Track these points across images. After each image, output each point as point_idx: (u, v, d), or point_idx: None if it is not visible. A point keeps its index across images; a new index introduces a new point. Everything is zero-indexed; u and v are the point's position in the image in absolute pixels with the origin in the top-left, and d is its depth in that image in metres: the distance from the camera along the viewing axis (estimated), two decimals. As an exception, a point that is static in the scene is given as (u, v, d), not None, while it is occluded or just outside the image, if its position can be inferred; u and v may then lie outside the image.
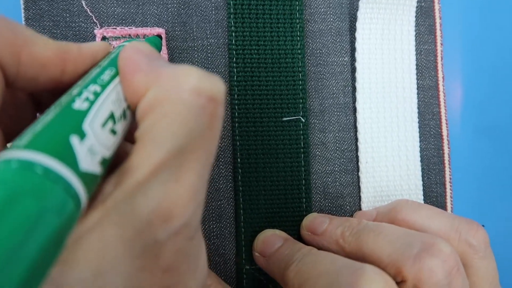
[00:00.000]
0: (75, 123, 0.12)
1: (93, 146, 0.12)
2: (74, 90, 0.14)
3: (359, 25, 0.27)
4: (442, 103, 0.28)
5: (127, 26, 0.24)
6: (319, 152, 0.27)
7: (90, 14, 0.24)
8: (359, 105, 0.27)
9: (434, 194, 0.28)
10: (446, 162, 0.28)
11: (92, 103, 0.13)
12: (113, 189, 0.12)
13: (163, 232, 0.12)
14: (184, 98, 0.13)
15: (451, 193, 0.28)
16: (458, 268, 0.19)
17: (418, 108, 0.27)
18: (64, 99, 0.13)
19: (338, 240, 0.22)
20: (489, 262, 0.22)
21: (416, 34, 0.28)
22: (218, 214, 0.25)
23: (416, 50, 0.28)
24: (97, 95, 0.14)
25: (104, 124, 0.13)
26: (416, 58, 0.28)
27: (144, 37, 0.24)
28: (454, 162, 0.28)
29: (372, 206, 0.27)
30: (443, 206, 0.28)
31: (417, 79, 0.28)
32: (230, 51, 0.25)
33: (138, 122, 0.14)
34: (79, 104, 0.13)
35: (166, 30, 0.25)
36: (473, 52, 0.30)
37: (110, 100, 0.14)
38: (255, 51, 0.25)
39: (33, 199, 0.10)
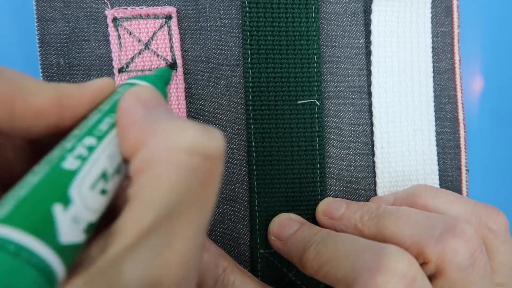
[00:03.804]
0: (61, 188, 0.11)
1: (78, 214, 0.11)
2: (68, 143, 0.13)
3: (374, 7, 0.26)
4: (458, 87, 0.27)
5: (138, 6, 0.24)
6: (333, 135, 0.26)
7: (102, -7, 0.24)
8: (374, 89, 0.26)
9: (449, 179, 0.27)
10: (462, 146, 0.27)
11: (84, 160, 0.12)
12: (99, 254, 0.11)
13: None
14: (177, 159, 0.12)
15: (466, 177, 0.27)
16: (481, 250, 0.19)
17: (434, 91, 0.27)
18: (55, 153, 0.12)
19: (357, 224, 0.22)
20: (508, 247, 0.22)
21: (432, 16, 0.27)
22: (232, 198, 0.25)
23: (433, 32, 0.27)
24: (91, 149, 0.13)
25: (94, 185, 0.12)
26: (433, 41, 0.27)
27: (148, 17, 0.24)
28: (470, 146, 0.28)
29: (387, 191, 0.26)
30: (458, 191, 0.27)
31: (433, 62, 0.27)
32: (244, 32, 0.25)
33: (131, 179, 0.13)
34: (70, 163, 0.12)
35: (177, 9, 0.24)
36: (491, 34, 0.30)
37: (106, 155, 0.13)
38: (270, 32, 0.25)
39: (2, 284, 0.09)
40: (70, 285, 0.11)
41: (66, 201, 0.11)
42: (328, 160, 0.26)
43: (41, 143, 0.15)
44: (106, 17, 0.24)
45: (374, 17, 0.26)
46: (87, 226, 0.12)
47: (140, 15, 0.24)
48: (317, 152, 0.25)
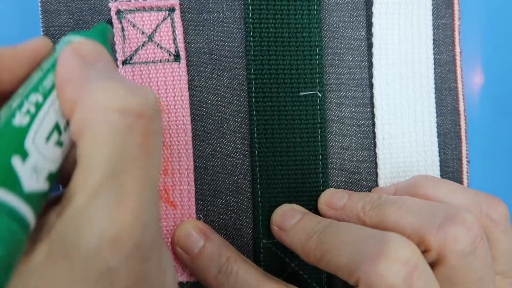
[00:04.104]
0: (16, 142, 0.12)
1: (37, 164, 0.12)
2: (14, 102, 0.13)
3: (376, -1, 0.26)
4: (459, 78, 0.28)
5: (142, -1, 0.24)
6: (335, 127, 0.26)
7: (105, -14, 0.24)
8: (375, 81, 0.26)
9: (450, 170, 0.28)
10: (463, 137, 0.28)
11: (33, 116, 0.13)
12: (56, 219, 0.12)
13: (113, 258, 0.12)
14: (110, 119, 0.12)
15: (467, 168, 0.27)
16: (482, 237, 0.19)
17: (435, 83, 0.27)
18: (3, 113, 0.13)
19: (359, 214, 0.22)
20: (509, 236, 0.22)
21: (433, 8, 0.27)
22: (235, 189, 0.25)
23: (433, 24, 0.27)
24: (38, 106, 0.13)
25: (48, 138, 0.13)
26: (433, 33, 0.27)
27: (151, 9, 0.24)
28: (471, 138, 0.28)
29: (389, 182, 0.26)
30: (459, 182, 0.28)
31: (434, 53, 0.27)
32: (246, 24, 0.25)
33: (74, 141, 0.13)
34: (20, 120, 0.13)
35: (180, 1, 0.24)
36: (491, 26, 0.30)
37: (54, 110, 0.14)
38: (272, 25, 0.25)
39: None
40: (35, 252, 0.11)
41: (23, 153, 0.12)
42: (330, 151, 0.26)
43: None
44: (109, 9, 0.24)
45: (375, 9, 0.26)
46: (47, 175, 0.13)
47: (144, 8, 0.24)
48: (319, 144, 0.26)
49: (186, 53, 0.25)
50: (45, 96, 0.14)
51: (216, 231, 0.24)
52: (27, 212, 0.11)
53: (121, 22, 0.24)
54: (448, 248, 0.18)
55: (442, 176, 0.27)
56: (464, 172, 0.28)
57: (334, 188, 0.26)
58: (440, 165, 0.27)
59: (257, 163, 0.25)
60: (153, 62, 0.24)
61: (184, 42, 0.25)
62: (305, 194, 0.25)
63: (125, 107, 0.13)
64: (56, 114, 0.14)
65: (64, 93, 0.14)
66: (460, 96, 0.28)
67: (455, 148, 0.28)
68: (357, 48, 0.27)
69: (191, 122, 0.25)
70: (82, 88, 0.13)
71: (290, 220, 0.23)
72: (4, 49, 0.14)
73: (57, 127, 0.13)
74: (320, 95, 0.26)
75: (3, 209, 0.11)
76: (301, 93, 0.25)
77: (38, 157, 0.12)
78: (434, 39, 0.27)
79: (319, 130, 0.26)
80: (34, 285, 0.11)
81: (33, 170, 0.12)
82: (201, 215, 0.25)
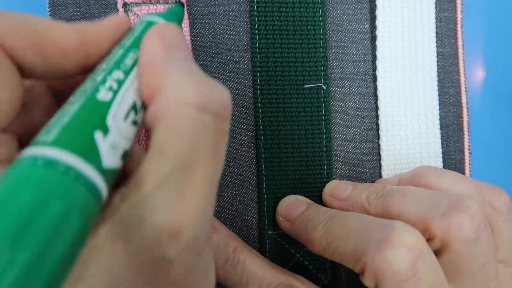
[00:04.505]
0: (99, 117, 0.12)
1: (115, 141, 0.12)
2: (98, 76, 0.13)
3: (379, -8, 0.27)
4: (461, 71, 0.28)
5: (148, -8, 0.24)
6: (339, 119, 0.27)
7: (112, -21, 0.24)
8: (379, 74, 0.27)
9: (453, 161, 0.28)
10: (465, 129, 0.28)
11: (115, 92, 0.13)
12: (121, 202, 0.12)
13: (171, 249, 0.12)
14: (188, 114, 0.13)
15: (469, 160, 0.28)
16: (486, 225, 0.19)
17: (438, 75, 0.28)
18: (88, 85, 0.13)
19: (363, 204, 0.22)
20: (511, 225, 0.22)
21: (436, 1, 0.28)
22: (241, 181, 0.25)
23: (436, 17, 0.28)
24: (120, 83, 0.14)
25: (126, 116, 0.13)
26: (436, 26, 0.28)
27: (157, 2, 0.24)
28: (473, 130, 0.28)
29: (392, 173, 0.27)
30: (461, 173, 0.28)
31: (437, 46, 0.28)
32: (251, 17, 0.25)
33: (149, 129, 0.13)
34: (103, 95, 0.13)
35: (187, -4, 0.25)
36: (494, 20, 0.30)
37: (133, 89, 0.14)
38: (277, 18, 0.25)
39: (60, 200, 0.10)
40: (97, 231, 0.12)
41: (105, 129, 0.12)
42: (334, 143, 0.27)
43: (65, 91, 0.16)
44: (116, 2, 0.24)
45: (379, 2, 0.26)
46: (123, 153, 0.13)
47: (150, 1, 0.24)
48: (324, 136, 0.26)
49: (192, 46, 0.25)
50: (126, 73, 0.14)
51: (222, 222, 0.25)
52: (103, 187, 0.12)
53: (127, 15, 0.24)
54: (452, 235, 0.19)
55: (444, 167, 0.28)
56: (467, 164, 0.28)
57: (338, 179, 0.26)
58: (443, 157, 0.28)
59: (262, 155, 0.25)
60: (159, 54, 0.24)
61: (190, 35, 0.25)
62: (310, 185, 0.26)
63: (204, 104, 0.13)
64: (135, 93, 0.14)
65: (146, 77, 0.14)
66: (463, 89, 0.28)
67: (457, 140, 0.28)
68: (361, 41, 0.27)
69: (197, 114, 0.25)
70: (164, 76, 0.13)
71: (295, 211, 0.24)
72: (90, 25, 0.15)
73: (134, 106, 0.14)
74: (325, 88, 0.26)
75: (83, 181, 0.11)
76: (306, 86, 0.26)
77: (117, 134, 0.13)
78: (437, 32, 0.28)
79: (323, 122, 0.26)
80: (92, 264, 0.11)
81: (112, 147, 0.12)
82: (207, 207, 0.25)
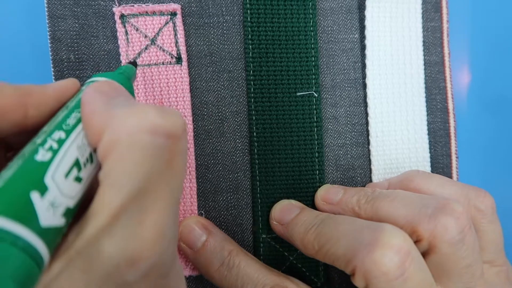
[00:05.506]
0: (36, 178, 0.12)
1: (55, 200, 0.12)
2: (38, 139, 0.13)
3: (368, 3, 0.27)
4: (448, 78, 0.29)
5: (144, 3, 0.25)
6: (331, 126, 0.27)
7: (110, -9, 0.25)
8: (369, 81, 0.28)
9: (440, 165, 0.29)
10: (452, 134, 0.29)
11: (55, 152, 0.13)
12: (75, 238, 0.12)
13: (131, 275, 0.12)
14: (138, 139, 0.13)
15: (456, 164, 0.29)
16: (470, 226, 0.20)
17: (425, 83, 0.29)
18: (27, 149, 0.13)
19: (354, 208, 0.23)
20: (495, 226, 0.23)
21: (423, 11, 0.29)
22: (235, 186, 0.26)
23: (423, 27, 0.29)
24: (61, 142, 0.14)
25: (67, 174, 0.13)
26: (423, 35, 0.29)
27: (153, 14, 0.25)
28: (460, 135, 0.29)
29: (382, 178, 0.28)
30: (449, 176, 0.29)
31: (424, 55, 0.29)
32: (245, 28, 0.26)
33: (100, 164, 0.13)
34: (41, 155, 0.13)
35: (182, 6, 0.25)
36: (478, 29, 0.31)
37: (76, 146, 0.14)
38: (270, 28, 0.26)
39: None
40: (51, 268, 0.12)
41: (42, 188, 0.12)
42: (326, 149, 0.27)
43: (12, 142, 0.16)
44: (114, 14, 0.25)
45: (368, 12, 0.27)
46: (65, 211, 0.13)
47: (147, 12, 0.25)
48: (316, 142, 0.27)
49: (187, 56, 0.26)
50: (68, 132, 0.14)
51: (218, 227, 0.25)
52: (42, 248, 0.11)
53: (124, 26, 0.25)
54: (438, 237, 0.19)
55: (433, 171, 0.28)
56: (454, 168, 0.29)
57: (330, 184, 0.27)
58: (431, 161, 0.28)
59: (256, 161, 0.26)
60: (156, 64, 0.25)
61: (186, 45, 0.26)
62: (303, 190, 0.27)
63: (155, 127, 0.13)
64: (77, 150, 0.14)
65: (91, 124, 0.14)
66: (449, 95, 0.29)
67: (444, 145, 0.29)
68: (351, 50, 0.28)
69: (193, 122, 0.26)
70: (109, 115, 0.13)
71: (288, 215, 0.24)
72: (33, 87, 0.15)
73: (77, 163, 0.14)
74: (316, 95, 0.27)
75: (18, 243, 0.11)
76: (298, 93, 0.26)
77: (57, 192, 0.12)
78: (424, 41, 0.29)
79: (315, 129, 0.27)
80: None
81: (51, 205, 0.12)
82: (202, 211, 0.26)
